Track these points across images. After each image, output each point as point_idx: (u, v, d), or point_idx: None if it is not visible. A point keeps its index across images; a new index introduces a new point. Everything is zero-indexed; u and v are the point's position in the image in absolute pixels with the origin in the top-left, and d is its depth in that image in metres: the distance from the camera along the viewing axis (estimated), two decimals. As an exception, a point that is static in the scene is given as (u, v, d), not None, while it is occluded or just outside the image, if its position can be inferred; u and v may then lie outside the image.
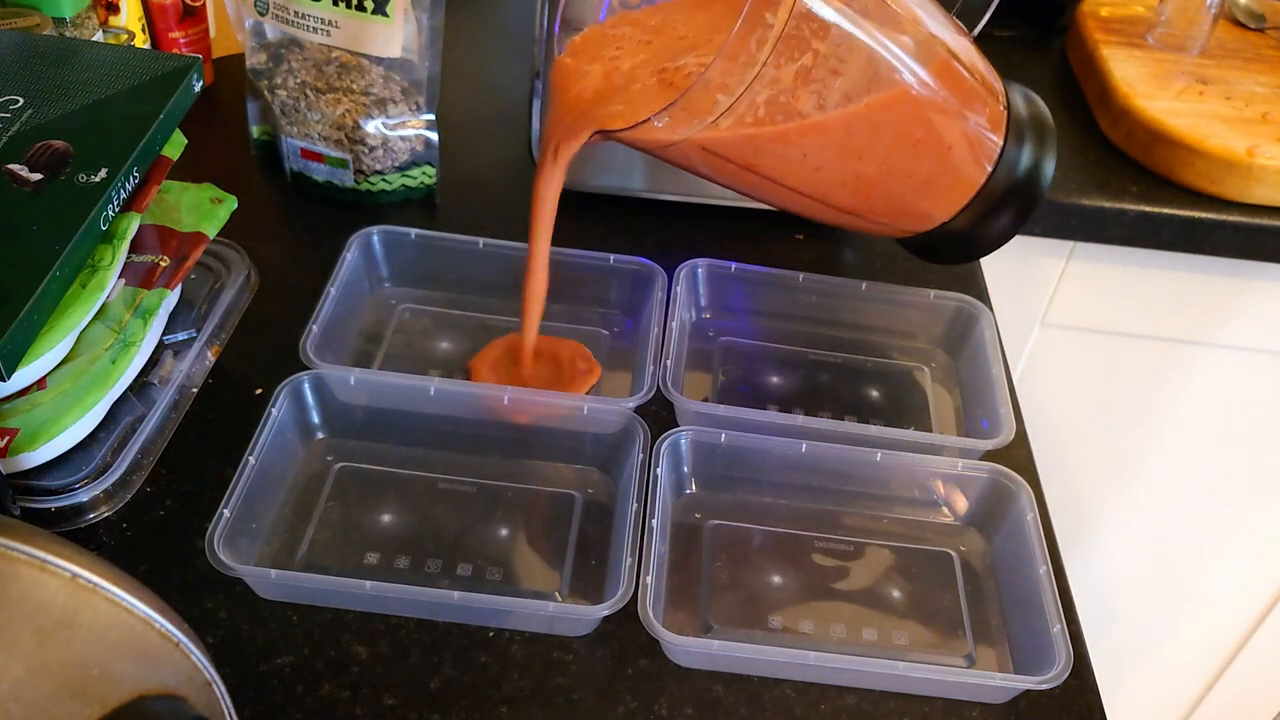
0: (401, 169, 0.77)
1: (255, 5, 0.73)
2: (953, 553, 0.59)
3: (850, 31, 0.53)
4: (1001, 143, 0.61)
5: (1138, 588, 1.25)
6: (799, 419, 0.61)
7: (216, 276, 0.67)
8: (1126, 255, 0.91)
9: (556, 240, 0.72)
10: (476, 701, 0.50)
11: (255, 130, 0.80)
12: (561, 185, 0.59)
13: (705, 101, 0.51)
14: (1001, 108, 0.61)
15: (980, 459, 0.61)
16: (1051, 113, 0.61)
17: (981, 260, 0.79)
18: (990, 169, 0.61)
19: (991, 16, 0.63)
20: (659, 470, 0.57)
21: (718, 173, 0.59)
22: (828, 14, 0.51)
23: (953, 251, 0.66)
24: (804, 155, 0.56)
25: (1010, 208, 0.62)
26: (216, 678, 0.35)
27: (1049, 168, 0.62)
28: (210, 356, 0.64)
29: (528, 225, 0.59)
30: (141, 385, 0.60)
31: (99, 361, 0.56)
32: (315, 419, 0.61)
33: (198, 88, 0.61)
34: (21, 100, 0.57)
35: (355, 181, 0.76)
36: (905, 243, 0.67)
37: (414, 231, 0.70)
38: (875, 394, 0.68)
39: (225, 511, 0.52)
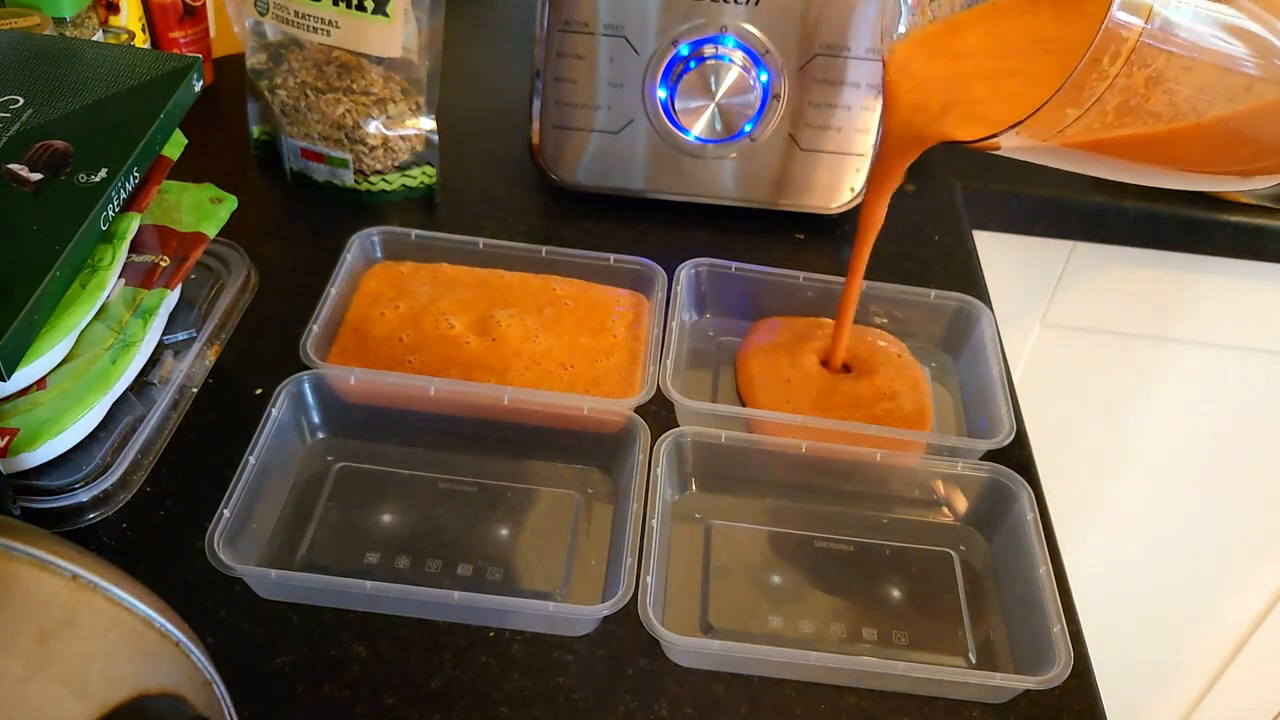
0: (401, 169, 0.77)
1: (255, 5, 0.73)
2: (953, 553, 0.59)
3: (1198, 32, 0.49)
4: None
5: (1138, 587, 1.25)
6: (799, 419, 0.61)
7: (216, 276, 0.67)
8: (1126, 255, 0.91)
9: (555, 240, 0.72)
10: (476, 701, 0.50)
11: (255, 130, 0.80)
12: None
13: (1055, 118, 0.49)
14: None
15: (980, 459, 0.61)
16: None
17: (981, 260, 0.79)
18: None
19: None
20: (659, 470, 0.57)
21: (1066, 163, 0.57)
22: (1179, 17, 0.47)
23: None
24: (1166, 152, 0.52)
25: None
26: (216, 678, 0.36)
27: None
28: (210, 356, 0.64)
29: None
30: (141, 385, 0.60)
31: (99, 361, 0.56)
32: (315, 419, 0.61)
33: (198, 88, 0.61)
34: (21, 100, 0.57)
35: (355, 181, 0.76)
36: None
37: (414, 232, 0.70)
38: (875, 394, 0.68)
39: (225, 511, 0.52)
